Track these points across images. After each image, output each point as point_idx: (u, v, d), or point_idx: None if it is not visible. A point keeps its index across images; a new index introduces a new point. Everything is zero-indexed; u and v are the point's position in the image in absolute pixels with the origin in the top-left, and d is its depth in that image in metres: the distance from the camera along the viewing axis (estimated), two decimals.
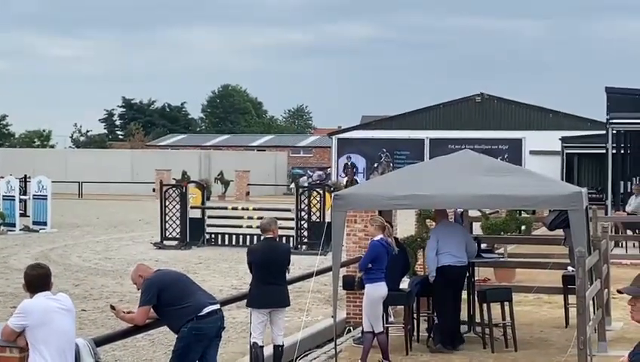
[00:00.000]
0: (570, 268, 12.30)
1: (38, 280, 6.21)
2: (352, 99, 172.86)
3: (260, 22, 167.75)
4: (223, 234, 24.98)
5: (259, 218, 21.88)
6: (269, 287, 9.43)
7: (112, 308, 7.70)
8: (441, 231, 11.37)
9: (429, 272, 11.39)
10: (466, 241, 11.53)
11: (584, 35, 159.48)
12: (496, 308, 11.37)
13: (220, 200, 44.68)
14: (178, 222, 24.53)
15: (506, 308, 11.33)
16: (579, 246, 9.41)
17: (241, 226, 24.84)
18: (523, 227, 22.00)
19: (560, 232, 13.38)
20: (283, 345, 9.63)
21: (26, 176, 35.97)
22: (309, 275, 11.74)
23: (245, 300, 9.68)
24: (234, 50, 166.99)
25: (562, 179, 31.85)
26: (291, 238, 23.56)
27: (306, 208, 23.80)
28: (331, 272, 10.93)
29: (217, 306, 7.96)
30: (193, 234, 24.65)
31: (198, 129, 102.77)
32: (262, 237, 9.70)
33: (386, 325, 10.61)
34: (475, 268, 12.32)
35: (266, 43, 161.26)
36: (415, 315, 11.61)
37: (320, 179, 51.71)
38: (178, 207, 24.62)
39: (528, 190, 10.36)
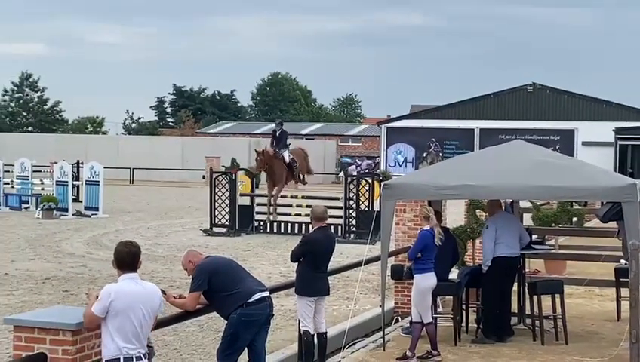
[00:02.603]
0: (623, 261, 12.12)
1: (129, 257, 6.26)
2: (401, 88, 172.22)
3: (310, 10, 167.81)
4: (272, 222, 25.07)
5: (307, 206, 21.92)
6: (319, 276, 9.45)
7: (163, 293, 7.74)
8: (499, 222, 11.28)
9: (483, 261, 11.31)
10: (520, 233, 11.47)
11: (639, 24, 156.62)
12: (546, 300, 11.25)
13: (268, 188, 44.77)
14: (227, 209, 24.68)
15: (557, 301, 11.21)
16: (633, 238, 9.25)
17: (289, 214, 24.91)
18: (575, 219, 21.74)
19: (613, 224, 13.17)
20: (326, 332, 9.65)
21: (78, 161, 36.43)
22: (358, 264, 11.74)
23: (293, 288, 9.70)
24: (284, 39, 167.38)
25: (615, 171, 31.36)
26: (339, 227, 23.56)
27: (355, 197, 23.77)
28: (380, 261, 10.93)
29: (267, 293, 7.99)
30: (242, 221, 24.80)
31: (247, 117, 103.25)
32: (314, 226, 9.64)
33: (434, 315, 10.56)
34: (526, 259, 12.20)
35: (316, 31, 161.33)
36: (464, 306, 11.54)
37: (369, 168, 51.57)
38: (227, 194, 24.77)
39: (581, 181, 10.22)
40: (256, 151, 25.24)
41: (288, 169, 25.21)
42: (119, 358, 6.04)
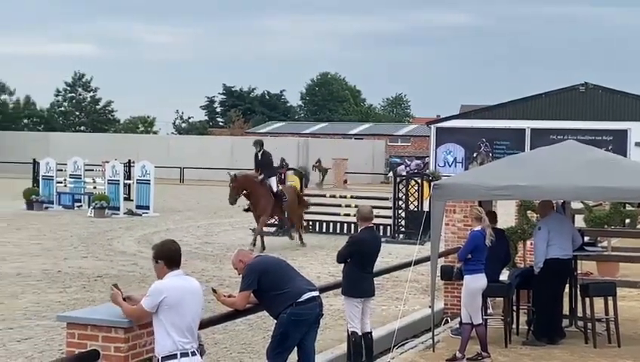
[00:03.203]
0: None
1: (177, 255, 6.34)
2: (450, 88, 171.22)
3: (360, 10, 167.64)
4: (321, 222, 25.09)
5: (356, 206, 21.92)
6: (365, 276, 9.42)
7: (214, 291, 7.82)
8: (551, 223, 11.15)
9: (534, 263, 11.19)
10: (572, 234, 11.32)
11: None
12: (599, 302, 11.09)
13: (317, 187, 44.90)
14: None
15: (610, 303, 11.04)
16: None
17: (338, 214, 24.90)
18: (627, 220, 21.40)
19: None
20: (372, 332, 9.62)
21: (130, 160, 36.85)
22: (407, 264, 11.69)
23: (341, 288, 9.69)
24: (333, 39, 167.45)
25: None
26: (388, 227, 23.51)
27: (404, 197, 23.68)
28: (429, 262, 10.87)
29: (316, 293, 8.00)
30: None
31: (296, 117, 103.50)
32: (360, 226, 9.63)
33: (484, 317, 10.48)
34: (578, 261, 12.04)
35: (366, 31, 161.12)
36: (515, 307, 11.43)
37: (418, 168, 51.30)
38: None
39: (634, 182, 10.05)
40: (230, 176, 21.18)
41: (276, 199, 21.17)
42: (176, 354, 6.09)
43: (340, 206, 25.25)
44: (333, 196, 27.23)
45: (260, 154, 21.30)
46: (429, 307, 11.09)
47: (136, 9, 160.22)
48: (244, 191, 20.76)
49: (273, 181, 21.28)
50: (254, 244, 20.37)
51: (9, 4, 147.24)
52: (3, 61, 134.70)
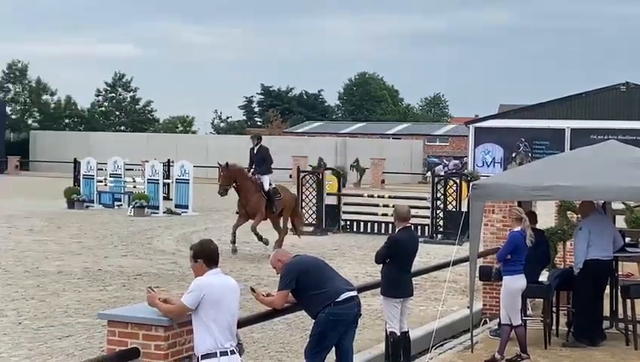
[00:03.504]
0: None
1: (215, 254, 6.40)
2: (489, 88, 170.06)
3: (397, 9, 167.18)
4: (359, 222, 25.08)
5: (394, 206, 21.88)
6: (404, 277, 9.41)
7: (252, 290, 7.85)
8: (592, 224, 11.03)
9: (575, 264, 11.08)
10: (613, 235, 11.20)
11: None
12: None
13: (355, 187, 44.87)
14: (314, 208, 24.81)
15: None
16: None
17: (376, 214, 24.87)
18: None
19: None
20: (408, 331, 9.60)
21: (169, 160, 37.12)
22: (445, 265, 11.64)
23: (379, 288, 9.68)
24: (371, 38, 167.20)
25: None
26: (426, 227, 23.43)
27: (442, 197, 23.59)
28: (468, 262, 10.82)
29: (354, 293, 8.00)
30: (329, 220, 24.89)
31: (334, 116, 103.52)
32: (397, 226, 9.60)
33: (524, 318, 10.41)
34: (619, 262, 11.90)
35: (403, 31, 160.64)
36: (554, 309, 11.33)
37: (456, 168, 51.12)
38: (314, 193, 24.90)
39: None
40: (219, 165, 19.54)
41: (268, 199, 19.47)
42: (216, 352, 6.13)
43: (377, 206, 25.20)
44: (371, 196, 27.18)
45: (256, 149, 19.81)
46: (468, 307, 11.03)
47: (176, 9, 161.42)
48: (235, 184, 19.27)
49: (266, 179, 19.52)
50: (261, 239, 19.09)
51: (50, 6, 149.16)
52: (45, 62, 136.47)
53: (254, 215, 19.25)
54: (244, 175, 19.29)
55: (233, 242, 18.90)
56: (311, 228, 24.39)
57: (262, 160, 19.60)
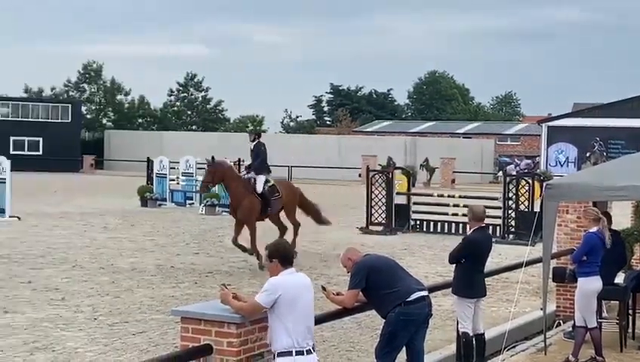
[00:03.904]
0: None
1: (290, 254, 6.44)
2: (562, 86, 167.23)
3: (468, 7, 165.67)
4: (428, 221, 24.93)
5: (464, 206, 21.67)
6: (477, 277, 9.31)
7: (323, 289, 7.85)
8: None
9: None
10: None
11: None
12: None
13: (424, 187, 44.65)
14: (384, 207, 24.75)
15: None
16: None
17: (446, 214, 24.69)
18: None
19: None
20: (484, 333, 9.50)
21: (239, 159, 37.44)
22: (518, 266, 11.47)
23: (450, 288, 9.60)
24: (441, 36, 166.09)
25: None
26: (498, 228, 23.16)
27: (514, 197, 23.29)
28: (541, 263, 10.65)
29: (425, 292, 7.94)
30: (398, 220, 24.80)
31: (403, 115, 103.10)
32: (472, 226, 9.49)
33: (599, 320, 10.20)
34: None
35: (474, 29, 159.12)
36: (630, 311, 11.09)
37: (528, 167, 50.42)
38: (384, 192, 24.84)
39: None
40: (207, 161, 17.63)
41: (263, 201, 17.47)
42: (291, 351, 6.15)
43: (447, 205, 25.01)
44: (441, 195, 26.98)
45: (253, 145, 17.91)
46: (541, 309, 10.87)
47: (247, 9, 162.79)
48: (219, 182, 17.73)
49: (261, 179, 17.47)
50: (255, 254, 16.93)
51: (124, 8, 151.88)
52: (119, 62, 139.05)
53: (247, 222, 17.17)
54: (233, 174, 17.53)
55: (251, 253, 16.96)
56: (380, 228, 24.34)
57: (257, 157, 17.73)
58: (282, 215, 18.64)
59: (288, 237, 17.19)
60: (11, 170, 25.83)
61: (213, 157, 17.35)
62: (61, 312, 12.25)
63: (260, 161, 17.67)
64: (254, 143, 17.92)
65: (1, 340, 10.48)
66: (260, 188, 17.34)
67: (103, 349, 10.19)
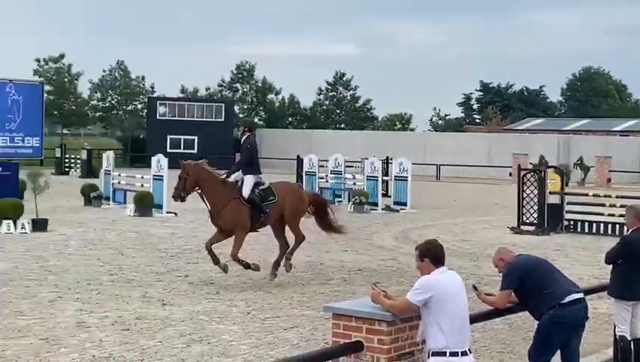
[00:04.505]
0: None
1: (442, 253, 6.44)
2: None
3: (625, 0, 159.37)
4: (583, 222, 24.16)
5: (621, 206, 20.87)
6: (637, 278, 8.95)
7: (475, 288, 7.78)
8: None
9: None
10: None
11: None
12: None
13: (578, 186, 43.36)
14: (535, 207, 24.17)
15: None
16: None
17: (602, 214, 23.86)
18: None
19: None
20: None
21: (387, 157, 37.54)
22: None
23: (606, 291, 9.29)
24: (596, 31, 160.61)
25: None
26: None
27: None
28: None
29: (581, 295, 7.72)
30: (551, 220, 24.17)
31: (556, 113, 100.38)
32: (630, 227, 9.13)
33: None
34: None
35: (630, 22, 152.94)
36: None
37: None
38: (536, 192, 24.26)
39: None
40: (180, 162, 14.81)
41: (252, 207, 14.48)
42: (445, 352, 6.13)
43: (603, 205, 24.17)
44: (597, 195, 26.10)
45: (242, 140, 15.08)
46: None
47: (395, 8, 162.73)
48: (198, 190, 14.42)
49: (248, 181, 14.46)
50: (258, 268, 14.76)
51: (274, 7, 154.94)
52: (270, 62, 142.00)
53: (231, 232, 14.55)
54: (209, 176, 14.43)
55: (216, 262, 14.40)
56: (532, 228, 23.80)
57: (243, 154, 14.73)
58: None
59: (285, 247, 15.33)
60: (168, 168, 26.87)
61: (182, 160, 14.70)
62: (216, 306, 12.64)
63: (248, 158, 14.61)
64: (244, 137, 14.94)
65: (160, 332, 10.91)
66: (246, 191, 14.33)
67: (256, 343, 10.43)
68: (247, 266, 14.49)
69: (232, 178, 14.64)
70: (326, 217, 15.65)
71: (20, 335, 10.55)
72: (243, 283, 14.59)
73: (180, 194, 14.45)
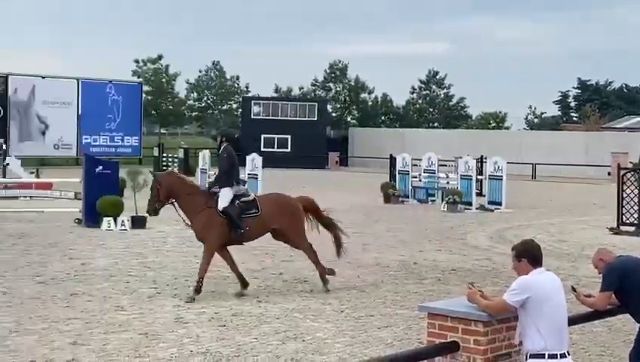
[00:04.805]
0: None
1: (540, 253, 6.38)
2: None
3: None
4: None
5: None
6: None
7: (573, 289, 7.64)
8: None
9: None
10: None
11: None
12: None
13: None
14: (636, 207, 23.52)
15: None
16: None
17: None
18: None
19: None
20: None
21: (482, 156, 37.11)
22: None
23: None
24: None
25: None
26: None
27: None
28: None
29: None
30: None
31: None
32: None
33: None
34: None
35: None
36: None
37: None
38: (636, 191, 23.60)
39: None
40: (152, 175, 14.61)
41: (229, 224, 13.36)
42: (544, 354, 6.05)
43: None
44: None
45: (220, 149, 14.04)
46: None
47: (491, 5, 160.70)
48: (172, 202, 13.42)
49: (224, 195, 13.35)
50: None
51: (371, 6, 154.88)
52: (363, 61, 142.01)
53: (203, 241, 13.51)
54: (182, 187, 13.45)
55: (245, 285, 13.59)
56: (632, 228, 23.17)
57: (220, 166, 13.88)
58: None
59: (302, 257, 14.84)
60: (262, 167, 27.20)
61: (155, 175, 14.13)
62: (310, 303, 12.74)
63: (226, 168, 13.62)
64: (222, 147, 13.95)
65: (256, 329, 11.07)
66: (222, 204, 13.27)
67: (350, 341, 10.48)
68: (198, 291, 12.96)
69: (213, 190, 13.61)
70: (321, 217, 14.60)
71: (120, 330, 10.86)
72: (337, 281, 14.62)
73: (154, 208, 13.37)
